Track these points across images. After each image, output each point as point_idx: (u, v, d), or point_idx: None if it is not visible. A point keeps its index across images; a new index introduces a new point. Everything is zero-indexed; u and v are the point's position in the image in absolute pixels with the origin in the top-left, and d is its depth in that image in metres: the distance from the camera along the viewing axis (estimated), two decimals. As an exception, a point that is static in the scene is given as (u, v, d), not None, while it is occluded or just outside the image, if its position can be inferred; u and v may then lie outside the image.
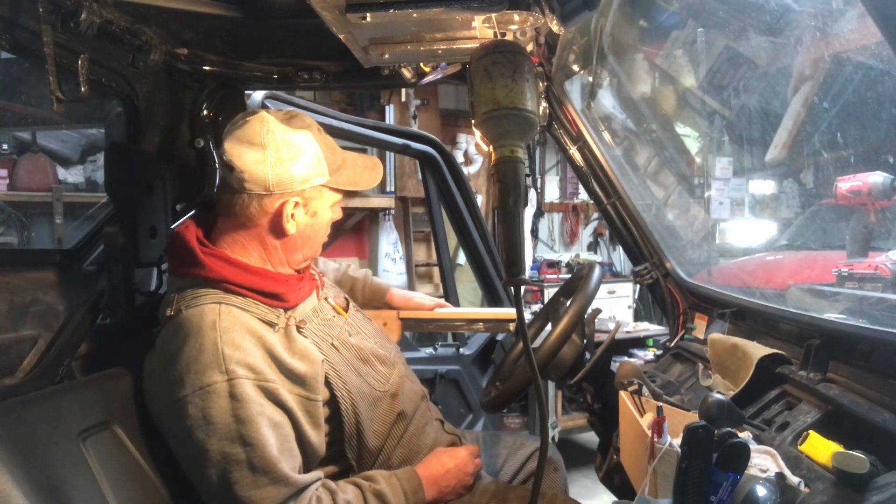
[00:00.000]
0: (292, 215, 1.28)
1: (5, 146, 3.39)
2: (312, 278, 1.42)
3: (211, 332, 1.16)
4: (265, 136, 1.23)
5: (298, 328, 1.28)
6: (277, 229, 1.29)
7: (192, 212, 1.70)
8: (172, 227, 1.61)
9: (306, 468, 1.24)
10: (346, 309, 1.48)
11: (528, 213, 5.68)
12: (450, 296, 2.94)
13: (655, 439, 1.01)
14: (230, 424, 1.12)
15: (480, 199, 5.21)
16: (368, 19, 1.10)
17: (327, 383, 1.26)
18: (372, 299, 1.83)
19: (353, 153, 1.42)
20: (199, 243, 1.25)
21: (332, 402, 1.27)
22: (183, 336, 1.18)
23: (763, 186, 4.42)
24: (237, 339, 1.16)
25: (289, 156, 1.24)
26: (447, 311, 1.90)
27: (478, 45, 1.12)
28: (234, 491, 1.12)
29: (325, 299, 1.42)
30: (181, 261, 1.26)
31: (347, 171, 1.36)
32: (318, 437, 1.25)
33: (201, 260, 1.22)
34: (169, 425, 1.20)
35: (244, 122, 1.25)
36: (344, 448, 1.31)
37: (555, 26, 1.17)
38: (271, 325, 1.24)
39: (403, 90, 4.68)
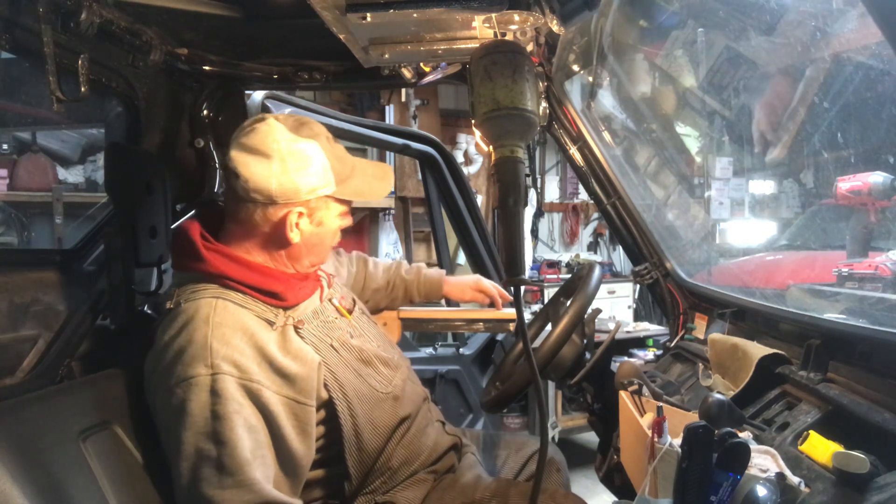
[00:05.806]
0: (297, 224, 1.27)
1: (5, 146, 3.40)
2: (317, 278, 1.42)
3: (203, 325, 1.16)
4: (271, 146, 1.21)
5: (296, 328, 1.27)
6: (281, 238, 1.28)
7: (194, 211, 1.71)
8: (174, 226, 1.61)
9: (293, 480, 1.22)
10: (352, 311, 1.47)
11: (528, 213, 5.67)
12: (450, 296, 2.93)
13: (655, 439, 1.01)
14: (207, 419, 1.12)
15: (480, 199, 5.20)
16: (368, 19, 1.10)
17: (325, 385, 1.26)
18: (429, 296, 1.83)
19: (364, 161, 1.41)
20: (202, 239, 1.25)
21: (329, 405, 1.27)
22: (177, 328, 1.18)
23: (763, 186, 4.43)
24: (228, 335, 1.16)
25: (294, 167, 1.23)
26: (447, 310, 1.89)
27: (478, 45, 1.12)
28: (199, 487, 1.11)
29: (330, 300, 1.42)
30: (184, 255, 1.26)
31: (355, 181, 1.35)
32: (303, 444, 1.22)
33: (203, 255, 1.22)
34: (159, 417, 1.20)
35: (251, 129, 1.24)
36: (343, 451, 1.29)
37: (555, 26, 1.17)
38: (269, 323, 1.24)
39: (403, 90, 4.68)
